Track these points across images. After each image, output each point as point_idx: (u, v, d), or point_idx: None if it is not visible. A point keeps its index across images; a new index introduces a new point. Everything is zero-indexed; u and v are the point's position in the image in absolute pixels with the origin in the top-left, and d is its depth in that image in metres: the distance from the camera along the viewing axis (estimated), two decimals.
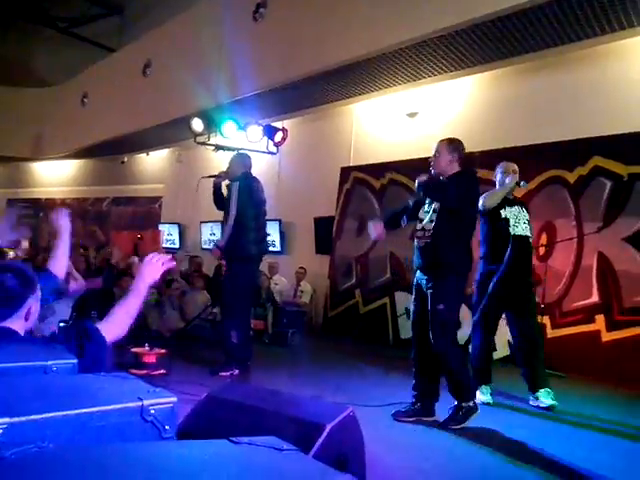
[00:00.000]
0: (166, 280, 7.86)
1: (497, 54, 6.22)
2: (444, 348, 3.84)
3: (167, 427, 1.37)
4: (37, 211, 14.78)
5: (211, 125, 8.06)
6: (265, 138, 7.88)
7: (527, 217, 4.76)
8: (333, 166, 8.84)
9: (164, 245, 11.39)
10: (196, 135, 8.20)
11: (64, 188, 14.51)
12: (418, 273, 4.07)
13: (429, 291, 3.90)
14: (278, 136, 7.67)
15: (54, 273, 2.82)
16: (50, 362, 1.76)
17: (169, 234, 11.75)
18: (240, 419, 2.25)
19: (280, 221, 9.16)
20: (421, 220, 4.08)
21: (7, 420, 1.15)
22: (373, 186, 8.29)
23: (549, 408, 4.36)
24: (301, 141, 9.18)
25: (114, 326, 2.32)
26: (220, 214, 5.59)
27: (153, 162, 12.78)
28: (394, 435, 3.61)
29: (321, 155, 9.14)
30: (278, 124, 8.59)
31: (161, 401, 1.37)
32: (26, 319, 2.23)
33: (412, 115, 8.05)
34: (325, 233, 8.79)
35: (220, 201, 5.53)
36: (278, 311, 7.82)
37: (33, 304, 2.26)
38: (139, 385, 1.52)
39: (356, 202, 8.50)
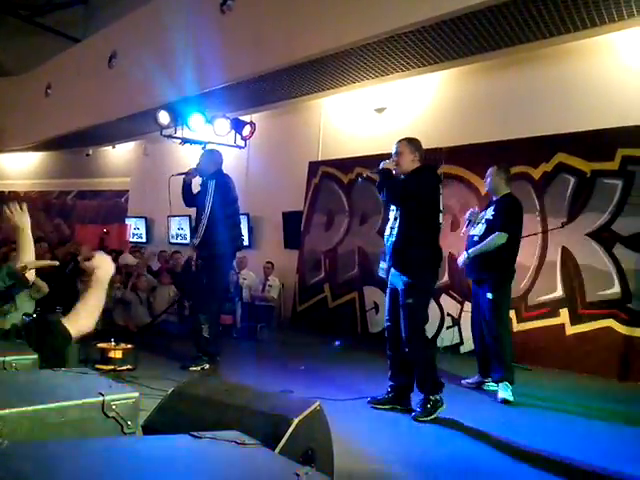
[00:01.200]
0: (132, 275, 7.77)
1: (465, 50, 6.27)
2: (413, 342, 3.89)
3: (129, 422, 1.36)
4: (0, 204, 14.46)
5: (178, 118, 7.95)
6: (233, 132, 7.81)
7: (489, 216, 4.81)
8: (301, 160, 8.82)
9: (131, 239, 11.24)
10: (162, 128, 8.08)
11: (28, 181, 14.22)
12: (391, 270, 4.11)
13: (400, 287, 3.95)
14: (246, 130, 7.60)
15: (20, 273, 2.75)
16: (9, 358, 1.73)
17: (136, 228, 11.60)
18: (206, 414, 2.23)
19: (248, 215, 9.11)
20: (389, 219, 4.13)
21: None
22: (341, 181, 8.30)
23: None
24: (269, 135, 9.14)
25: (80, 321, 2.28)
26: (187, 209, 5.60)
27: (119, 155, 12.60)
28: (363, 428, 3.62)
29: (289, 149, 9.11)
30: (246, 118, 8.52)
31: (123, 396, 1.36)
32: None
33: (380, 110, 8.07)
34: (294, 228, 8.77)
35: (190, 198, 5.49)
36: (246, 306, 7.79)
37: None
38: (100, 381, 1.50)
39: (325, 197, 8.50)
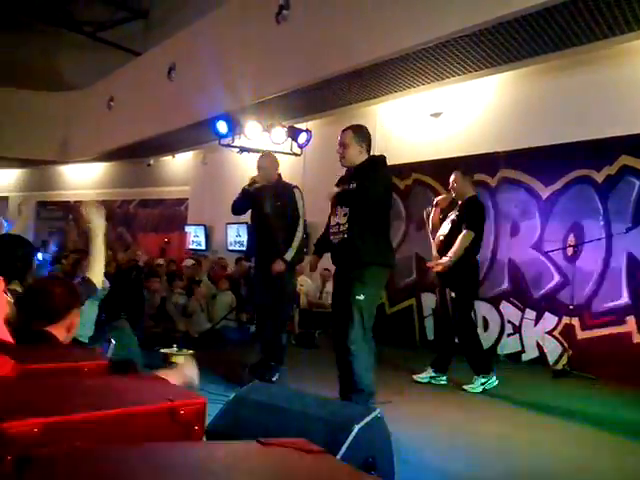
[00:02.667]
0: (194, 282, 7.93)
1: (522, 53, 6.15)
2: (350, 344, 3.78)
3: (196, 428, 1.39)
4: (66, 214, 15.00)
5: (235, 127, 8.10)
6: (289, 140, 7.90)
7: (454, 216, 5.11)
8: None
9: (190, 247, 11.48)
10: (220, 137, 8.25)
11: (92, 191, 14.71)
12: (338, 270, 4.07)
13: (349, 284, 3.84)
14: (302, 137, 7.69)
15: (92, 281, 2.88)
16: (82, 363, 1.80)
17: (195, 236, 11.84)
18: (268, 420, 2.27)
19: (305, 222, 9.14)
20: (335, 215, 4.06)
21: (42, 420, 1.17)
22: (398, 187, 8.26)
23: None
24: (325, 142, 9.17)
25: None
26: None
27: (179, 164, 12.89)
28: (423, 435, 3.60)
29: None
30: (302, 125, 8.61)
31: (190, 402, 1.39)
32: (68, 331, 2.30)
33: (436, 115, 8.00)
34: None
35: (244, 207, 5.34)
36: (304, 312, 7.83)
37: (75, 317, 2.34)
38: (168, 386, 1.54)
39: None
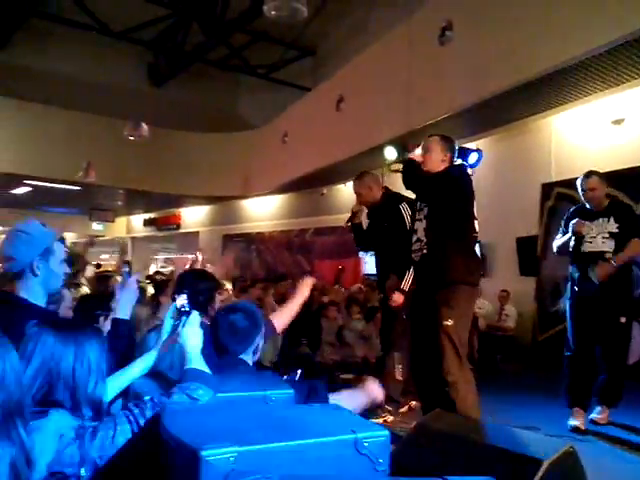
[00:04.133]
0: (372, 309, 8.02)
1: None
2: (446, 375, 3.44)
3: (380, 460, 1.40)
4: (249, 245, 15.97)
5: (404, 151, 8.14)
6: (459, 160, 7.76)
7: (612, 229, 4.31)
8: (532, 183, 8.46)
9: (365, 272, 11.64)
10: (390, 163, 8.33)
11: (271, 222, 15.53)
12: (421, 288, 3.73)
13: (435, 308, 3.50)
14: (472, 157, 7.50)
15: (273, 324, 3.12)
16: (269, 392, 1.89)
17: (365, 262, 11.99)
18: (451, 451, 2.21)
19: (479, 242, 8.91)
20: (415, 231, 3.74)
21: (237, 449, 1.25)
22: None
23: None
24: (496, 159, 8.92)
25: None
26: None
27: (351, 192, 13.16)
28: (620, 474, 3.31)
29: (518, 172, 8.80)
30: (472, 144, 8.44)
31: (374, 434, 1.40)
32: (254, 353, 2.47)
33: (618, 122, 7.44)
34: (529, 253, 8.40)
35: (363, 241, 5.10)
36: (483, 336, 7.59)
37: (260, 341, 2.51)
38: (351, 417, 1.57)
39: (561, 219, 8.01)
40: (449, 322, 3.43)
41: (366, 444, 1.38)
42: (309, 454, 1.32)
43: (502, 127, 8.49)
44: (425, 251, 3.67)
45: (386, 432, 1.43)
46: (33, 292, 2.36)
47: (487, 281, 8.86)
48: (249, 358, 2.50)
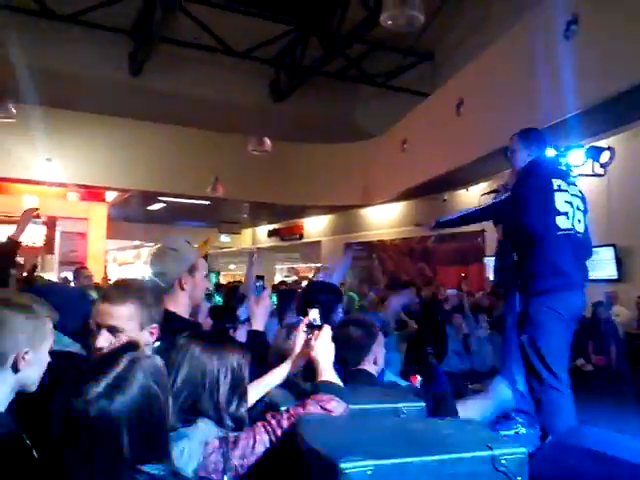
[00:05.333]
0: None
1: None
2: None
3: (519, 478, 1.37)
4: (370, 253, 16.04)
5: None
6: (589, 160, 7.38)
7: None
8: None
9: (491, 278, 11.33)
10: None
11: (392, 229, 15.50)
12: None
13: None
14: (604, 156, 7.12)
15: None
16: (401, 405, 1.90)
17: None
18: (592, 469, 2.11)
19: (615, 246, 8.42)
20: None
21: (374, 462, 1.27)
22: None
23: None
24: (632, 158, 8.39)
25: None
26: None
27: (473, 196, 12.88)
28: None
29: None
30: (603, 143, 7.99)
31: (511, 451, 1.37)
32: (375, 363, 2.50)
33: None
34: None
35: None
36: (622, 345, 7.15)
37: (378, 350, 2.53)
38: (486, 432, 1.54)
39: None
40: (523, 336, 3.36)
41: (503, 461, 1.35)
42: (444, 470, 1.32)
43: (636, 123, 7.97)
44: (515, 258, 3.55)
45: (524, 449, 1.39)
46: (180, 305, 2.53)
47: (623, 287, 8.35)
48: (372, 369, 2.52)
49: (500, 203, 3.70)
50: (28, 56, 10.93)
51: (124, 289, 2.03)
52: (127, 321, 1.92)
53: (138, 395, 1.30)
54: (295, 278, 24.28)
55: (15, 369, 1.62)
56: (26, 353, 1.62)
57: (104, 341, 1.89)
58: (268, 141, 12.20)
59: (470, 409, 2.53)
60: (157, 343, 2.25)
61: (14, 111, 10.17)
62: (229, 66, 13.52)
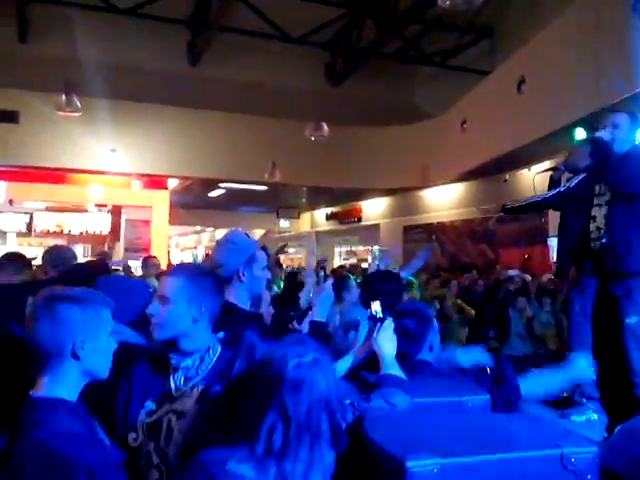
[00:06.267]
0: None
1: None
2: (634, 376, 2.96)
3: (589, 477, 1.35)
4: (429, 235, 15.86)
5: (593, 130, 7.59)
6: None
7: None
8: None
9: (554, 260, 11.05)
10: (579, 144, 7.81)
11: (451, 211, 15.28)
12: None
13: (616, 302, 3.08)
14: None
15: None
16: (465, 398, 1.89)
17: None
18: None
19: None
20: (594, 218, 3.35)
21: (440, 461, 1.27)
22: None
23: None
24: None
25: None
26: None
27: (535, 178, 12.54)
28: None
29: None
30: None
31: (582, 450, 1.35)
32: (430, 350, 2.48)
33: None
34: None
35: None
36: None
37: (433, 338, 2.51)
38: (555, 429, 1.51)
39: None
40: (632, 319, 3.15)
41: (573, 460, 1.33)
42: (512, 469, 1.30)
43: None
44: (604, 240, 3.39)
45: (594, 448, 1.36)
46: (240, 297, 2.59)
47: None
48: (429, 357, 2.50)
49: (576, 187, 3.62)
50: (93, 51, 11.27)
51: (183, 265, 2.11)
52: (176, 293, 1.97)
53: None
54: (354, 261, 24.31)
55: (76, 358, 1.70)
56: (83, 342, 1.70)
57: (152, 309, 1.97)
58: (325, 126, 12.18)
59: (536, 382, 2.48)
60: (221, 333, 2.31)
61: (79, 105, 10.46)
62: (285, 52, 13.54)
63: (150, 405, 1.97)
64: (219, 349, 2.06)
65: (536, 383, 2.42)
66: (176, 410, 1.93)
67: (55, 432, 1.57)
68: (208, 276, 2.08)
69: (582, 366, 2.60)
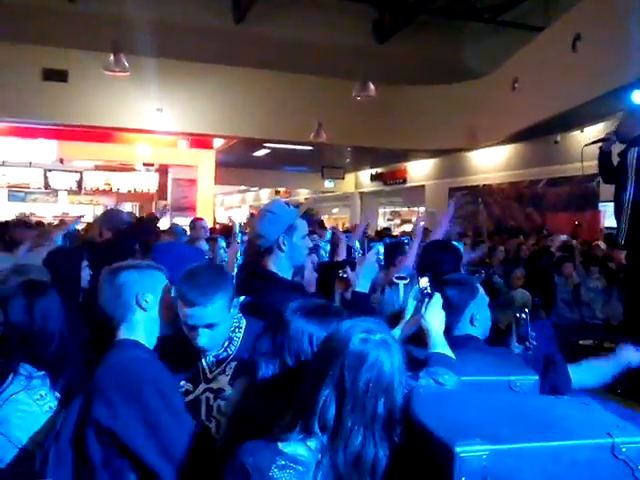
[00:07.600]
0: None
1: None
2: None
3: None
4: (475, 198, 15.61)
5: None
6: None
7: None
8: None
9: (606, 226, 10.77)
10: (635, 107, 7.53)
11: (499, 173, 14.98)
12: None
13: None
14: None
15: None
16: (513, 377, 1.88)
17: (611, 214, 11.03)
18: None
19: None
20: None
21: (490, 447, 1.27)
22: None
23: None
24: None
25: None
26: None
27: (587, 139, 12.13)
28: None
29: None
30: None
31: (633, 439, 1.33)
32: (472, 324, 2.43)
33: None
34: None
35: (607, 172, 4.71)
36: None
37: (476, 309, 2.45)
38: (605, 416, 1.49)
39: None
40: None
41: (624, 449, 1.32)
42: (563, 457, 1.30)
43: None
44: None
45: None
46: (281, 266, 2.62)
47: None
48: (475, 332, 2.42)
49: None
50: (141, 8, 11.26)
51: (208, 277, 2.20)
52: (220, 315, 2.01)
53: None
54: (397, 222, 24.17)
55: (142, 309, 2.05)
56: (144, 294, 2.05)
57: (204, 341, 2.06)
58: (372, 86, 11.95)
59: (587, 373, 2.45)
60: (241, 297, 2.36)
61: (127, 64, 10.49)
62: (332, 8, 13.30)
63: (185, 385, 2.04)
64: (244, 323, 2.11)
65: (588, 372, 2.39)
66: (213, 389, 2.01)
67: (128, 356, 1.95)
68: (224, 274, 2.13)
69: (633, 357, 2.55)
